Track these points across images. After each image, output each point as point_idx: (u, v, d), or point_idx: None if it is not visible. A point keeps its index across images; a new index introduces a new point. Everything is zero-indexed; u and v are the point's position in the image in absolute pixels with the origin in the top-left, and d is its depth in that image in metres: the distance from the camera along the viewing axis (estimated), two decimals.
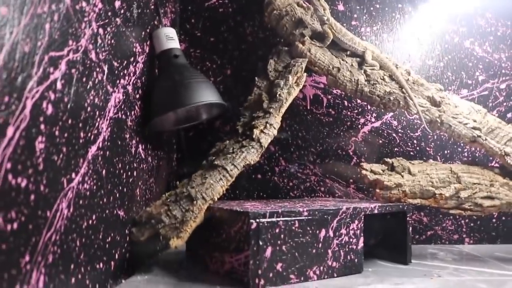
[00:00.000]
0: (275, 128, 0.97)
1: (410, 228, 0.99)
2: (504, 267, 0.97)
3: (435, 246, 1.22)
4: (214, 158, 0.93)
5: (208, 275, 0.88)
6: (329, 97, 1.27)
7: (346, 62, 1.06)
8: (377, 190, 1.02)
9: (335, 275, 0.87)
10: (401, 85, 1.05)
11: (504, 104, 1.29)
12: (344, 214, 0.89)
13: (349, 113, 1.27)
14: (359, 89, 1.05)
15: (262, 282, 0.79)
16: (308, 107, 1.27)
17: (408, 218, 0.98)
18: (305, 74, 1.02)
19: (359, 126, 1.27)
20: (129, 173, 0.85)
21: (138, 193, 0.90)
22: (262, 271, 0.79)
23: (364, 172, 1.03)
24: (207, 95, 0.95)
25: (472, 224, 1.26)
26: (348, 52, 1.08)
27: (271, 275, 0.80)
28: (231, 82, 1.26)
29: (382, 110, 1.11)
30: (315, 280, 0.85)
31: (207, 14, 1.27)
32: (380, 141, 1.27)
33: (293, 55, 1.05)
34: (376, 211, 0.93)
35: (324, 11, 1.04)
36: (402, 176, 1.02)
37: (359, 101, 1.25)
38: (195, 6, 1.26)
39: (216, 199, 0.90)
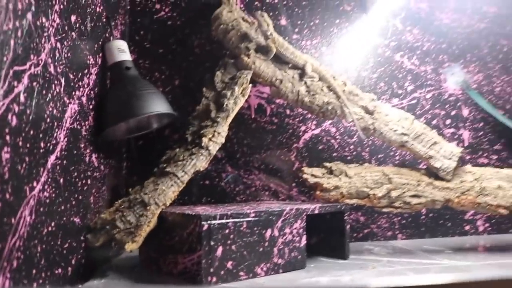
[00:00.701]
0: (222, 136, 1.03)
1: (348, 226, 1.08)
2: (430, 257, 1.08)
3: (371, 243, 1.32)
4: (165, 165, 0.98)
5: (162, 276, 0.92)
6: (272, 106, 1.34)
7: (288, 74, 1.14)
8: (317, 192, 1.10)
9: (281, 271, 0.94)
10: (338, 95, 1.14)
11: (430, 112, 1.42)
12: (287, 215, 0.96)
13: (291, 121, 1.35)
14: (300, 99, 1.13)
15: (214, 279, 0.85)
16: (253, 116, 1.33)
17: (345, 217, 1.07)
18: (250, 85, 1.08)
19: (300, 133, 1.35)
20: (83, 181, 0.88)
21: (92, 200, 0.93)
22: (214, 269, 0.85)
23: (305, 176, 1.11)
24: (158, 105, 0.99)
25: (404, 221, 1.37)
26: (290, 65, 1.15)
27: (222, 272, 0.86)
28: (179, 92, 1.30)
29: (322, 118, 1.19)
30: (263, 276, 0.91)
31: (156, 26, 1.30)
32: (320, 147, 1.35)
33: (239, 67, 1.11)
34: (316, 211, 1.02)
35: (267, 26, 1.11)
36: (340, 179, 1.11)
37: (300, 110, 1.33)
38: (145, 18, 1.30)
39: (168, 204, 0.95)
